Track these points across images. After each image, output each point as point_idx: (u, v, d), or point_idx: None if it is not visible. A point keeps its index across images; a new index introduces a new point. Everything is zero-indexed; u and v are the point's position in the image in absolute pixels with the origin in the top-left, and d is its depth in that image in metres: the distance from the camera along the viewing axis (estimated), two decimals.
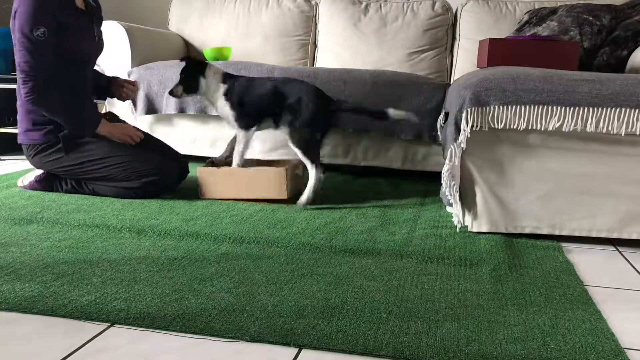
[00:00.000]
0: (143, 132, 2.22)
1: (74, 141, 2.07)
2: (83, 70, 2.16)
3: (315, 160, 2.09)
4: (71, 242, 1.58)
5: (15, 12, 1.95)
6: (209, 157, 2.28)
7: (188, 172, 2.34)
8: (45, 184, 2.18)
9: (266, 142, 2.66)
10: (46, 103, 1.99)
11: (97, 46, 2.22)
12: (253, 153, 2.68)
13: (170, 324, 1.10)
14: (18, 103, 2.11)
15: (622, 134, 1.65)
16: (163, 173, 2.12)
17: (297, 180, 2.18)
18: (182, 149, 2.76)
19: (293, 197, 2.12)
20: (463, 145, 1.71)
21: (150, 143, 2.25)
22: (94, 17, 2.18)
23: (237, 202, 2.10)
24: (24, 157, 2.77)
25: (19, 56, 1.94)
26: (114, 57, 2.78)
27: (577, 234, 1.74)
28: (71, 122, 2.05)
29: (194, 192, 2.19)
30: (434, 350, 1.03)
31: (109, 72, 2.79)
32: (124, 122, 2.29)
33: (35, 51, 1.93)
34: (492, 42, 2.21)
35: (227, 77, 2.19)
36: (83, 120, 2.08)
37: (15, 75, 2.41)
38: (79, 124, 2.07)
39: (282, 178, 2.06)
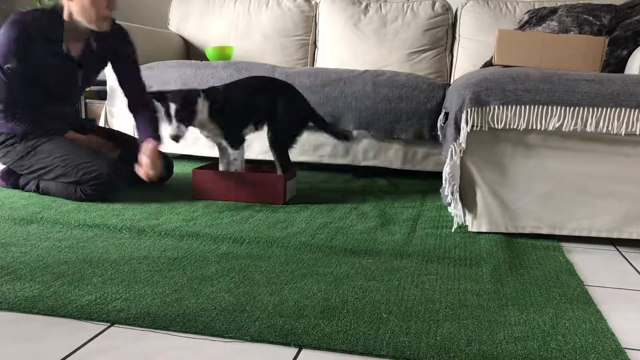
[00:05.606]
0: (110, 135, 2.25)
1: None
2: (60, 105, 2.19)
3: (288, 165, 2.14)
4: (71, 242, 1.58)
5: None
6: (209, 157, 2.28)
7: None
8: (8, 178, 2.20)
9: (266, 142, 2.66)
10: (12, 127, 2.06)
11: (78, 89, 2.24)
12: (252, 153, 2.68)
13: (171, 324, 1.10)
14: None
15: (622, 134, 1.65)
16: (101, 170, 2.01)
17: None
18: (184, 149, 2.76)
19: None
20: (463, 145, 1.72)
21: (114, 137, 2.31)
22: (92, 61, 2.19)
23: (238, 202, 2.10)
24: None
25: None
26: None
27: (577, 233, 1.74)
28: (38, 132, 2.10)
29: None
30: (434, 350, 1.03)
31: (109, 72, 2.80)
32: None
33: (3, 82, 2.00)
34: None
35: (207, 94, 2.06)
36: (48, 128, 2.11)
37: None
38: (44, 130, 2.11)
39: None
